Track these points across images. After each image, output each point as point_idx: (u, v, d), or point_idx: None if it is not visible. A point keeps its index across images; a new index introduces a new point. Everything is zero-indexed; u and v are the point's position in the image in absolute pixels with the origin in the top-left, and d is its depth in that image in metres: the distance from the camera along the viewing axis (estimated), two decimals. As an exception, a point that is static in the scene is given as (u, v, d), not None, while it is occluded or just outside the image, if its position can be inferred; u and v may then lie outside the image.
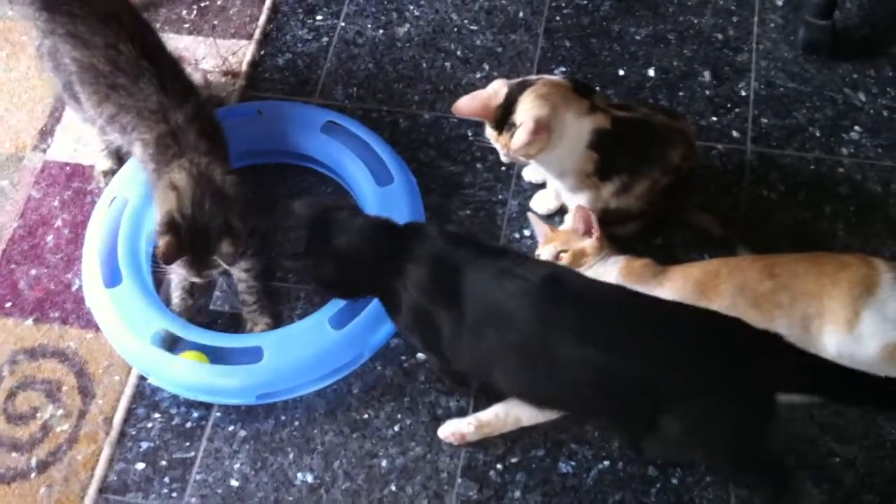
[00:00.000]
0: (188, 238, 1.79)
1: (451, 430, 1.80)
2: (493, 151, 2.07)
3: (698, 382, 1.49)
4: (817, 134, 2.15)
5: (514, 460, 1.80)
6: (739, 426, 1.54)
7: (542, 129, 1.77)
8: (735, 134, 2.16)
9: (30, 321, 2.01)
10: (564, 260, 1.84)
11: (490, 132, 1.86)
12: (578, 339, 1.50)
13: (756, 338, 1.51)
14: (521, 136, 1.77)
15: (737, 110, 2.19)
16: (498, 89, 1.83)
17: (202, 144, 1.87)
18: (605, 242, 1.87)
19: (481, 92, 1.86)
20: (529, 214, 2.03)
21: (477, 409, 1.84)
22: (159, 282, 2.02)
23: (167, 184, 1.82)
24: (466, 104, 1.86)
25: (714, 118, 2.18)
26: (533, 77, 1.84)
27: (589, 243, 1.86)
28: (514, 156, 1.85)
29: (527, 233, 2.06)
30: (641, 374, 1.49)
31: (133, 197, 2.00)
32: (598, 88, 2.08)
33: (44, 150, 2.25)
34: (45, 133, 2.27)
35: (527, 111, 1.79)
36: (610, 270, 1.82)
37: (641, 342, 1.50)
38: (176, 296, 1.99)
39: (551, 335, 1.51)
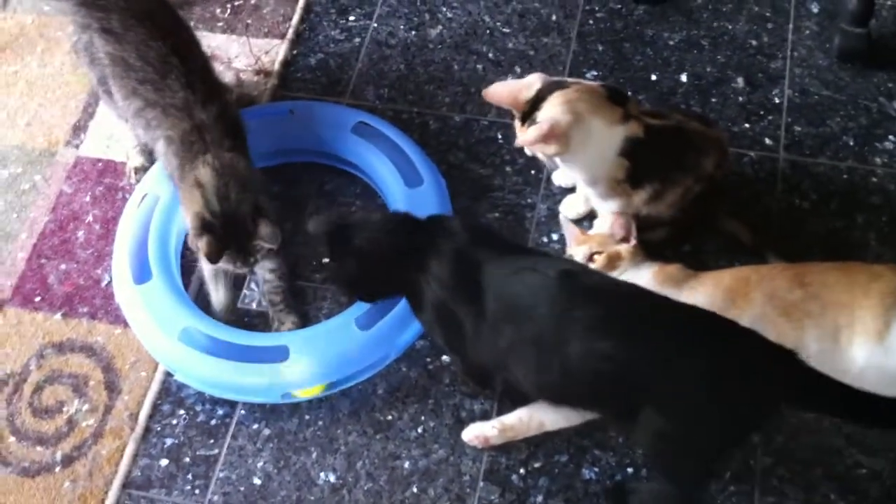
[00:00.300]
0: (225, 232, 1.80)
1: (474, 433, 1.80)
2: (523, 154, 2.07)
3: (692, 386, 1.48)
4: (851, 143, 2.13)
5: (536, 465, 1.79)
6: (719, 436, 1.54)
7: (555, 135, 1.77)
8: (768, 141, 2.14)
9: (58, 316, 2.03)
10: (598, 262, 1.83)
11: (517, 123, 1.86)
12: (589, 333, 1.50)
13: (768, 351, 1.49)
14: (530, 134, 1.78)
15: (770, 118, 2.17)
16: (532, 83, 1.84)
17: (226, 142, 1.88)
18: (639, 249, 1.86)
19: (515, 82, 1.87)
20: (561, 217, 2.02)
21: (501, 412, 1.84)
22: (188, 281, 2.03)
23: (192, 182, 1.83)
24: (498, 91, 1.87)
25: (747, 125, 2.16)
26: (570, 79, 1.83)
27: (625, 248, 1.85)
28: (534, 151, 1.84)
29: (555, 237, 2.05)
30: (642, 370, 1.49)
31: (164, 194, 2.01)
32: (630, 93, 2.06)
33: (76, 146, 2.27)
34: (78, 129, 2.29)
35: (547, 112, 1.79)
36: (643, 275, 1.81)
37: (647, 340, 1.50)
38: (214, 295, 2.00)
39: (564, 329, 1.51)
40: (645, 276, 1.81)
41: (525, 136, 1.79)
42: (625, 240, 1.86)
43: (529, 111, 1.82)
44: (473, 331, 1.61)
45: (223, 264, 1.84)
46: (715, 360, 1.48)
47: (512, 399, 1.82)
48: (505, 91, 1.87)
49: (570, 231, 1.96)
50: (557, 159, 1.87)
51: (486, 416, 1.85)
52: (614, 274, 1.83)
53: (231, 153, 1.87)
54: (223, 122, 1.89)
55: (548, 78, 1.84)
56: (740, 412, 1.50)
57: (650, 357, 1.49)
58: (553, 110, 1.78)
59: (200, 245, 1.79)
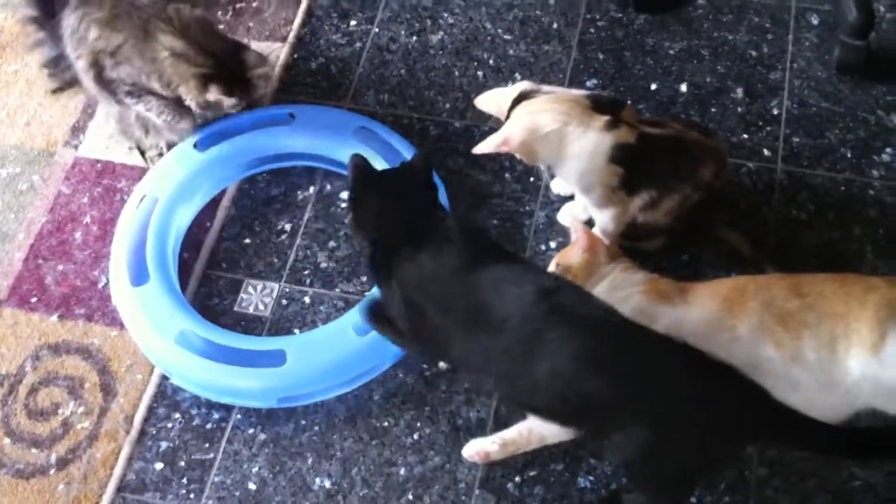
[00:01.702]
0: (223, 73, 1.98)
1: (475, 448, 1.79)
2: (522, 162, 2.08)
3: (661, 414, 1.49)
4: (848, 155, 2.13)
5: (532, 473, 1.79)
6: (685, 459, 1.54)
7: (510, 146, 1.79)
8: (766, 152, 2.14)
9: (55, 317, 2.02)
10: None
11: None
12: (555, 355, 1.49)
13: (739, 385, 1.50)
14: (484, 145, 1.82)
15: (768, 128, 2.17)
16: (513, 90, 1.87)
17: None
18: (628, 260, 1.87)
19: (501, 90, 1.92)
20: (570, 219, 2.02)
21: (497, 419, 1.84)
22: (185, 283, 2.03)
23: (167, 54, 1.98)
24: (486, 99, 1.93)
25: (745, 135, 2.16)
26: (546, 87, 1.84)
27: (577, 261, 1.84)
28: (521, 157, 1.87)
29: (553, 244, 2.05)
30: (608, 396, 1.50)
31: (163, 196, 2.01)
32: (629, 102, 2.07)
33: (75, 147, 2.26)
34: (77, 129, 2.29)
35: (508, 123, 1.82)
36: (630, 293, 1.80)
37: (615, 367, 1.50)
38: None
39: (534, 347, 1.51)
40: (633, 295, 1.80)
41: (482, 147, 1.82)
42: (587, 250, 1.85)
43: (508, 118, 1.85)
44: (442, 329, 1.60)
45: (233, 100, 2.01)
46: (689, 386, 1.49)
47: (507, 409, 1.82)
48: (491, 99, 1.91)
49: (576, 230, 1.89)
50: (552, 167, 1.89)
51: (482, 423, 1.85)
52: (598, 285, 1.83)
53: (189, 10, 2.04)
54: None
55: (529, 85, 1.87)
56: (710, 436, 1.51)
57: (618, 384, 1.49)
58: (511, 122, 1.81)
59: (212, 94, 1.97)
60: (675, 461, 1.54)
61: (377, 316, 1.78)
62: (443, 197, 1.98)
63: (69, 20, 2.05)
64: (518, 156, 1.86)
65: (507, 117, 1.85)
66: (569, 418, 1.61)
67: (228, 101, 2.02)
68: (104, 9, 2.01)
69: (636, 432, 1.50)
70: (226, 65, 2.02)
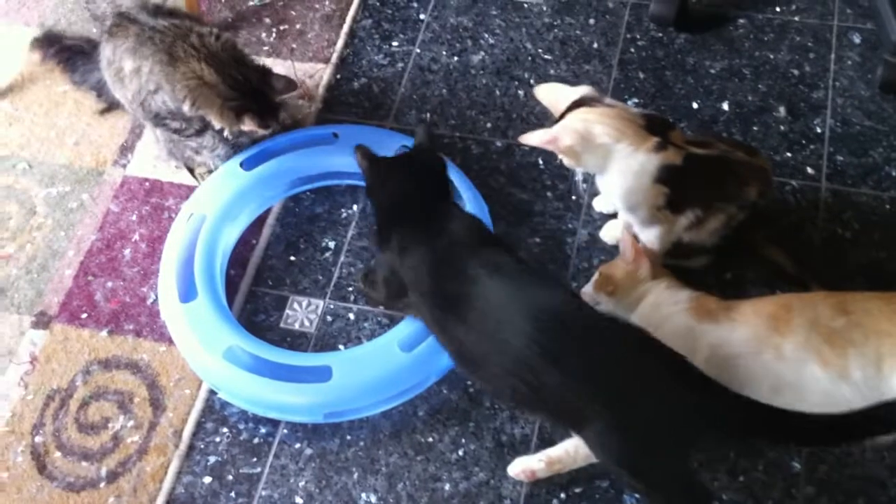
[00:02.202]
0: (253, 102, 2.03)
1: (521, 467, 1.80)
2: (564, 180, 2.10)
3: (626, 406, 1.53)
4: (893, 174, 2.13)
5: (577, 490, 1.80)
6: (653, 448, 1.57)
7: (556, 146, 1.81)
8: (810, 171, 2.14)
9: (105, 332, 2.06)
10: (594, 283, 1.91)
11: None
12: (533, 347, 1.55)
13: (693, 378, 1.53)
14: (532, 137, 1.83)
15: (812, 147, 2.18)
16: (575, 91, 1.88)
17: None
18: (671, 277, 1.88)
19: (564, 87, 1.92)
20: (621, 229, 2.02)
21: (542, 436, 1.85)
22: (232, 300, 2.06)
23: (194, 84, 2.01)
24: (545, 90, 1.94)
25: (788, 154, 2.17)
26: (611, 101, 1.85)
27: (621, 271, 1.89)
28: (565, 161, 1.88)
29: (595, 262, 2.06)
30: (577, 388, 1.54)
31: (210, 214, 2.04)
32: (671, 121, 2.08)
33: (123, 166, 2.30)
34: (126, 149, 2.33)
35: (561, 123, 1.82)
36: (675, 311, 1.81)
37: (584, 359, 1.55)
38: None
39: (502, 333, 1.58)
40: (679, 309, 1.81)
41: (529, 137, 1.83)
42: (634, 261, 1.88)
43: (561, 117, 1.86)
44: (428, 306, 1.71)
45: (267, 130, 2.09)
46: (646, 379, 1.53)
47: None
48: (551, 92, 1.92)
49: (625, 243, 1.90)
50: (598, 184, 1.90)
51: (526, 439, 1.86)
52: (641, 301, 1.85)
53: (215, 37, 2.06)
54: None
55: (592, 92, 1.87)
56: (670, 428, 1.55)
57: (575, 375, 1.54)
58: (565, 123, 1.82)
59: (247, 125, 2.03)
60: (642, 454, 1.57)
61: (366, 274, 1.95)
62: (486, 221, 2.01)
63: (105, 51, 2.11)
64: (560, 155, 1.86)
65: (561, 116, 1.86)
66: (531, 407, 1.67)
67: (262, 132, 2.09)
68: (130, 38, 2.05)
69: (598, 426, 1.55)
70: (255, 94, 2.05)
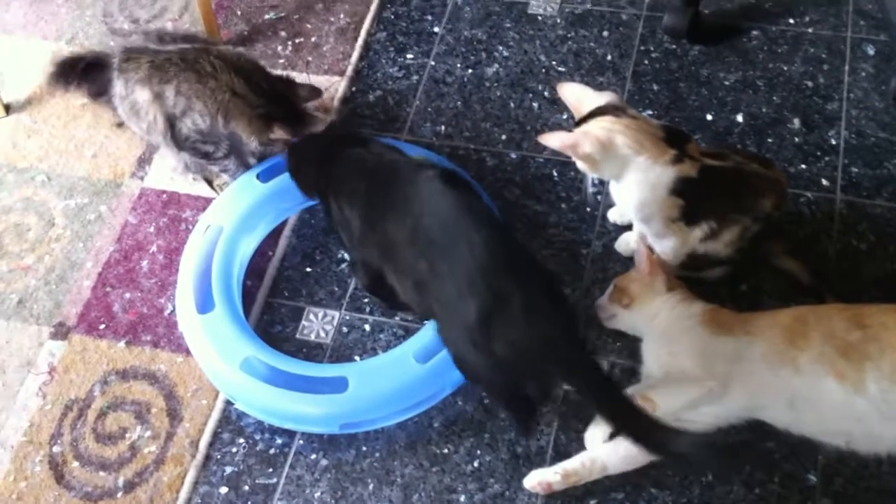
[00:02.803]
0: (280, 113, 2.10)
1: (537, 479, 1.80)
2: (578, 192, 2.10)
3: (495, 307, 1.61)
4: (908, 185, 2.13)
5: (592, 502, 1.80)
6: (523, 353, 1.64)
7: (574, 149, 1.80)
8: (824, 182, 2.14)
9: (122, 343, 2.07)
10: (609, 295, 1.94)
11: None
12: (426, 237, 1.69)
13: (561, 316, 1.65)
14: (554, 138, 1.82)
15: (826, 158, 2.18)
16: (602, 97, 1.87)
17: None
18: (684, 288, 1.88)
19: (590, 90, 1.90)
20: (634, 241, 2.03)
21: (557, 448, 1.85)
22: (249, 311, 2.07)
23: (226, 97, 2.04)
24: (573, 90, 1.92)
25: (803, 166, 2.17)
26: (634, 112, 1.85)
27: (637, 283, 1.90)
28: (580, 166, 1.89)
29: (610, 274, 2.06)
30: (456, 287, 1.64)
31: (227, 226, 2.06)
32: (687, 133, 2.08)
33: (141, 178, 2.32)
34: (143, 161, 2.35)
35: (584, 128, 1.82)
36: (690, 324, 1.82)
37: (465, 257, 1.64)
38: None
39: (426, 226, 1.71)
40: (694, 322, 1.81)
41: (549, 138, 1.83)
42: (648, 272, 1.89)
43: (583, 121, 1.86)
44: (360, 228, 1.85)
45: (293, 138, 2.15)
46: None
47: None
48: (576, 92, 1.91)
49: (641, 255, 1.92)
50: (612, 193, 1.91)
51: (541, 451, 1.86)
52: (655, 314, 1.86)
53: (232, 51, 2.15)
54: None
55: (617, 100, 1.86)
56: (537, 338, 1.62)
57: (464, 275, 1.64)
58: (587, 130, 1.82)
59: (277, 133, 2.10)
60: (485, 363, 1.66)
61: (353, 265, 2.08)
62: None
63: (116, 87, 2.12)
64: (575, 160, 1.86)
65: (582, 120, 1.86)
66: (424, 298, 1.75)
67: (291, 139, 2.11)
68: (142, 68, 2.06)
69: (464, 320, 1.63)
70: (282, 102, 2.09)
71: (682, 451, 1.57)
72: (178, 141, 2.11)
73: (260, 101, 2.06)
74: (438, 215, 1.70)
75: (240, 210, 2.10)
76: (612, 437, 1.78)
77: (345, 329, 2.05)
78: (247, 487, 1.88)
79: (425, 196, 1.73)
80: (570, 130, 1.85)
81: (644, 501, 1.79)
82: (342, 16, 2.58)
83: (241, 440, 1.94)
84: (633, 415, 1.59)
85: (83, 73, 2.32)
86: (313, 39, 2.54)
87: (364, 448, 1.90)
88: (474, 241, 1.63)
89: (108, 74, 2.19)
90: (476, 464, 1.87)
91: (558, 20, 2.50)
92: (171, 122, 2.08)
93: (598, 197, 2.13)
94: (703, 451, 1.59)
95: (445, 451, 1.89)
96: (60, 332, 2.10)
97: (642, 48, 2.42)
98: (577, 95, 1.90)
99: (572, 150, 1.81)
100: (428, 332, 1.89)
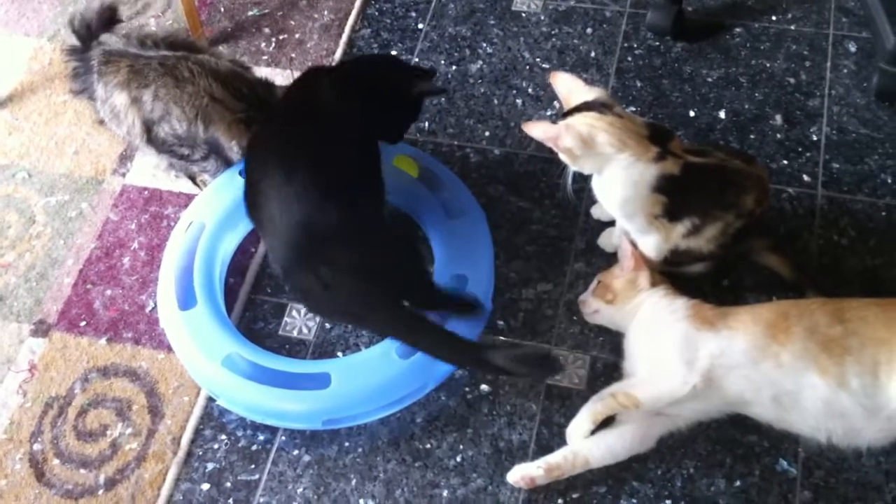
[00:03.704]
0: (261, 113, 2.07)
1: (520, 474, 1.80)
2: (560, 188, 2.10)
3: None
4: (889, 181, 2.14)
5: (575, 496, 1.80)
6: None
7: (556, 142, 1.80)
8: (806, 178, 2.15)
9: (103, 340, 2.06)
10: (594, 291, 1.94)
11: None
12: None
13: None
14: (538, 128, 1.82)
15: (808, 154, 2.19)
16: (589, 92, 1.87)
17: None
18: (668, 285, 1.88)
19: (581, 83, 1.89)
20: (616, 237, 2.03)
21: (539, 442, 1.85)
22: (231, 308, 2.06)
23: (203, 101, 2.03)
24: (565, 81, 1.91)
25: (785, 162, 2.18)
26: (620, 109, 1.84)
27: (619, 280, 1.90)
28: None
29: (593, 269, 2.06)
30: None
31: (209, 223, 2.05)
32: (671, 130, 2.09)
33: (123, 175, 2.31)
34: (125, 158, 2.34)
35: (569, 121, 1.82)
36: (673, 319, 1.82)
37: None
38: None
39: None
40: (677, 317, 1.81)
41: (533, 128, 1.83)
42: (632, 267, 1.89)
43: (569, 114, 1.86)
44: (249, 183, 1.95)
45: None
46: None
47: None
48: (566, 83, 1.91)
49: (624, 252, 1.93)
50: (594, 190, 1.91)
51: (523, 446, 1.86)
52: (638, 309, 1.87)
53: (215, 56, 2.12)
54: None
55: (605, 97, 1.85)
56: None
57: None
58: (570, 123, 1.81)
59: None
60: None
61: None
62: (485, 228, 2.04)
63: (98, 90, 2.10)
64: (557, 152, 1.86)
65: (568, 113, 1.86)
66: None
67: None
68: (121, 72, 2.05)
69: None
70: (262, 106, 2.07)
71: (498, 364, 1.75)
72: (157, 145, 2.10)
73: (240, 105, 2.05)
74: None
75: (222, 207, 2.09)
76: (594, 431, 1.78)
77: (327, 325, 2.05)
78: (229, 484, 1.87)
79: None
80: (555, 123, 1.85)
81: (626, 495, 1.79)
82: (326, 12, 2.58)
83: (223, 437, 1.93)
84: (446, 340, 1.79)
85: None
86: (297, 36, 2.53)
87: (346, 444, 1.90)
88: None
89: (90, 73, 2.18)
90: (459, 459, 1.87)
91: (542, 17, 2.50)
92: (149, 127, 2.07)
93: (581, 193, 2.13)
94: (515, 361, 1.76)
95: (428, 446, 1.89)
96: (41, 329, 2.08)
97: (626, 45, 2.43)
98: (569, 87, 1.90)
99: (553, 141, 1.81)
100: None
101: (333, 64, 2.44)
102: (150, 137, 2.09)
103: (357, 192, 1.86)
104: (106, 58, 2.08)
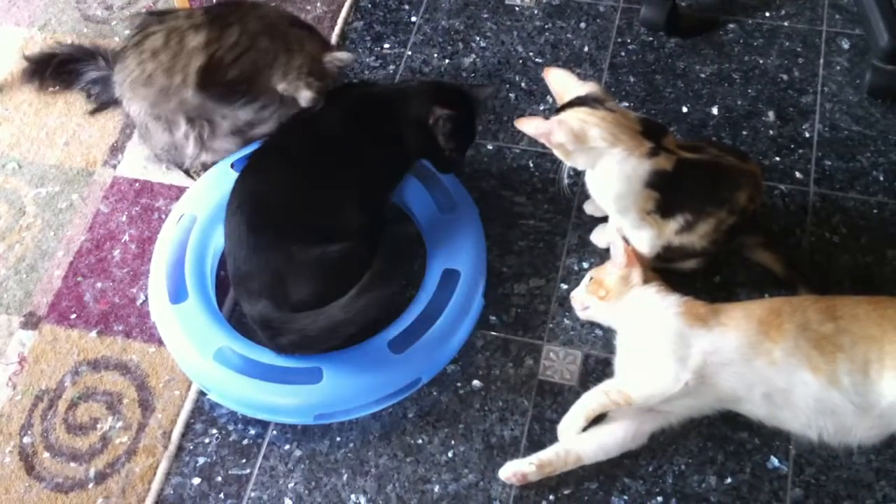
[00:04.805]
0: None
1: (511, 470, 1.80)
2: (554, 183, 2.10)
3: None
4: (881, 178, 2.14)
5: (566, 492, 1.80)
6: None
7: (548, 137, 1.81)
8: (798, 175, 2.15)
9: (94, 333, 2.05)
10: (587, 288, 1.93)
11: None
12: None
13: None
14: (530, 124, 1.82)
15: (800, 151, 2.19)
16: (584, 87, 1.87)
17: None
18: (661, 281, 1.89)
19: (575, 78, 1.90)
20: (614, 238, 2.02)
21: (531, 438, 1.85)
22: (223, 301, 2.06)
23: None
24: (559, 75, 1.92)
25: (777, 158, 2.18)
26: (613, 104, 1.84)
27: (611, 278, 1.90)
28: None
29: (585, 265, 2.06)
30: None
31: (201, 215, 2.04)
32: (664, 126, 2.08)
33: (114, 166, 2.30)
34: (116, 149, 2.33)
35: (561, 117, 1.82)
36: (666, 315, 1.82)
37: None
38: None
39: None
40: (670, 314, 1.82)
41: (525, 123, 1.83)
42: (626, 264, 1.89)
43: (562, 109, 1.86)
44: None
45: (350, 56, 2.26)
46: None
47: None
48: (561, 79, 1.91)
49: (618, 248, 1.91)
50: (587, 185, 1.91)
51: (515, 441, 1.86)
52: (630, 305, 1.86)
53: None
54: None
55: (598, 91, 1.85)
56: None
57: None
58: (562, 118, 1.81)
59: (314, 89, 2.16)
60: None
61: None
62: (478, 223, 2.01)
63: (131, 108, 2.17)
64: (550, 148, 1.86)
65: (561, 107, 1.86)
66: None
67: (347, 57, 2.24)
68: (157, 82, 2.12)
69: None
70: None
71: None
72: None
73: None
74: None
75: (214, 199, 2.08)
76: (586, 428, 1.79)
77: (319, 319, 2.04)
78: (220, 478, 1.87)
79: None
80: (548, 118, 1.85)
81: (617, 491, 1.79)
82: (319, 4, 2.57)
83: (214, 431, 1.92)
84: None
85: (61, 70, 2.32)
86: (289, 28, 2.52)
87: (338, 438, 1.90)
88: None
89: (80, 66, 2.18)
90: (450, 454, 1.86)
91: (535, 11, 2.50)
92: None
93: (568, 180, 2.13)
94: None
95: (420, 441, 1.88)
96: (31, 321, 2.07)
97: (619, 40, 2.42)
98: (563, 82, 1.90)
99: (546, 137, 1.81)
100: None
101: (371, 81, 2.41)
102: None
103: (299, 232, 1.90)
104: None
